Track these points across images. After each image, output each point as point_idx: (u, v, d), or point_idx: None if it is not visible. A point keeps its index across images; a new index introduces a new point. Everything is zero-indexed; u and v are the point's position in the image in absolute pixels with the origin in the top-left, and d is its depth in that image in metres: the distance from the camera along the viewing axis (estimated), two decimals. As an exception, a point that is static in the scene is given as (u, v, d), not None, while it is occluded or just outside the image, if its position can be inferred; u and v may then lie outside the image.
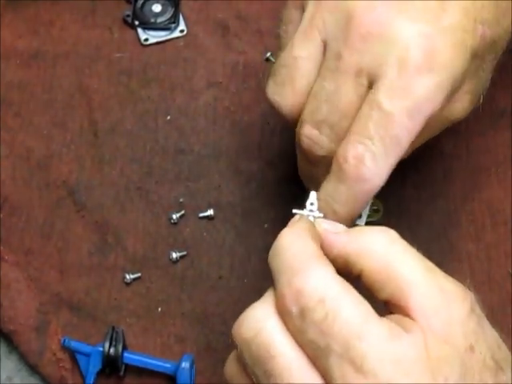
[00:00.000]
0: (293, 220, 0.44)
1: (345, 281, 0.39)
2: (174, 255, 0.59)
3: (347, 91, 0.46)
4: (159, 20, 0.69)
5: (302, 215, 0.44)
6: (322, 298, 0.38)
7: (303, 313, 0.38)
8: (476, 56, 0.47)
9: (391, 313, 0.40)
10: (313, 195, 0.46)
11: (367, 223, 0.54)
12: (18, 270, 0.58)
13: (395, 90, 0.45)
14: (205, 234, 0.60)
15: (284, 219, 0.60)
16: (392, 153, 0.45)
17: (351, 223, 0.49)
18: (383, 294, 0.39)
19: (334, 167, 0.46)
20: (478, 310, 0.39)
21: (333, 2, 0.47)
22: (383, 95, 0.45)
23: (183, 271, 0.59)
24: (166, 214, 0.61)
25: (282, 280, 0.39)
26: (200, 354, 0.56)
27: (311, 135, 0.48)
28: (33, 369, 0.56)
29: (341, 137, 0.46)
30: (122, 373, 0.55)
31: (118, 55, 0.67)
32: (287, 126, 0.63)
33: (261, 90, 0.65)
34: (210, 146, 0.63)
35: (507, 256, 0.58)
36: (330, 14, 0.47)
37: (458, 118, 0.50)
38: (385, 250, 0.40)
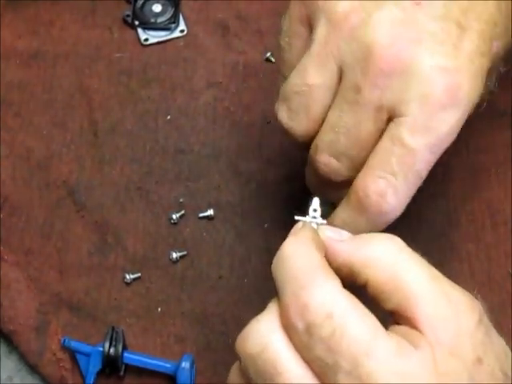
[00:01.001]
0: (296, 227, 0.43)
1: (352, 295, 0.38)
2: (174, 255, 0.59)
3: (367, 125, 0.45)
4: (159, 20, 0.69)
5: (304, 222, 0.43)
6: (329, 314, 0.37)
7: (310, 329, 0.37)
8: (489, 72, 0.47)
9: (397, 323, 0.39)
10: (316, 201, 0.45)
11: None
12: (18, 269, 0.58)
13: (418, 126, 0.44)
14: (205, 234, 0.60)
15: (284, 219, 0.60)
16: (413, 187, 0.45)
17: None
18: (389, 305, 0.39)
19: (353, 199, 0.46)
20: (485, 319, 0.39)
21: (349, 29, 0.45)
22: (406, 132, 0.44)
23: (183, 271, 0.59)
24: (166, 213, 0.61)
25: (287, 293, 0.38)
26: (200, 354, 0.56)
27: (330, 164, 0.47)
28: (33, 369, 0.56)
29: (358, 166, 0.46)
30: (122, 373, 0.55)
31: (118, 55, 0.67)
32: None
33: (261, 89, 0.65)
34: (209, 145, 0.63)
35: (507, 256, 0.58)
36: (345, 42, 0.45)
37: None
38: (391, 260, 0.39)
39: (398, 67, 0.44)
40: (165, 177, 0.62)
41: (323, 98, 0.47)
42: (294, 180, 0.61)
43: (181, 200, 0.61)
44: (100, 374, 0.54)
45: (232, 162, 0.63)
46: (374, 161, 0.45)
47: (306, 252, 0.39)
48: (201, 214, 0.60)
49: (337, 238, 0.42)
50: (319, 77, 0.46)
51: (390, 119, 0.45)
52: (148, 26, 0.69)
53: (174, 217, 0.60)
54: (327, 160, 0.47)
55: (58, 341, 0.56)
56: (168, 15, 0.69)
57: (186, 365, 0.53)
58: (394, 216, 0.46)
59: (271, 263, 0.57)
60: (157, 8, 0.69)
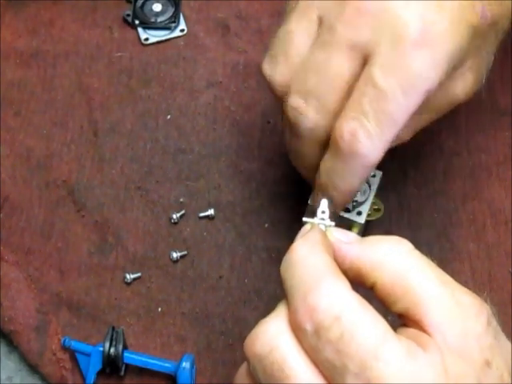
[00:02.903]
0: (304, 229, 0.43)
1: (360, 297, 0.38)
2: (175, 255, 0.59)
3: (338, 63, 0.46)
4: (159, 19, 0.69)
5: (313, 224, 0.43)
6: (338, 316, 0.37)
7: (318, 331, 0.37)
8: (477, 35, 0.47)
9: (405, 325, 0.39)
10: (324, 203, 0.44)
11: (367, 222, 0.54)
12: (18, 269, 0.58)
13: (390, 66, 0.44)
14: (205, 233, 0.60)
15: (284, 219, 0.60)
16: (387, 130, 0.45)
17: (351, 199, 0.50)
18: (398, 308, 0.39)
19: (332, 142, 0.46)
20: (494, 323, 0.39)
21: None
22: (378, 71, 0.44)
23: (183, 271, 0.59)
24: (166, 213, 0.61)
25: (296, 295, 0.38)
26: (200, 354, 0.56)
27: (298, 105, 0.47)
28: (33, 369, 0.56)
29: (328, 109, 0.46)
30: (122, 373, 0.55)
31: (118, 55, 0.67)
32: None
33: (261, 89, 0.65)
34: (210, 145, 0.63)
35: (508, 255, 0.58)
36: None
37: (461, 98, 0.50)
38: (399, 262, 0.39)
39: (374, 7, 0.45)
40: (165, 176, 0.62)
41: (301, 43, 0.48)
42: (294, 180, 0.61)
43: (181, 200, 0.61)
44: (100, 373, 0.54)
45: (232, 161, 0.63)
46: (349, 103, 0.45)
47: (314, 254, 0.39)
48: (201, 214, 0.60)
49: (345, 240, 0.41)
50: (299, 24, 0.48)
51: (365, 63, 0.45)
52: (148, 25, 0.69)
53: (174, 216, 0.60)
54: (295, 102, 0.47)
55: (58, 341, 0.56)
56: (168, 15, 0.69)
57: (186, 365, 0.53)
58: (369, 161, 0.46)
59: (271, 263, 0.57)
60: (157, 7, 0.69)
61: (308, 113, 0.47)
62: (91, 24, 0.69)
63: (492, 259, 0.58)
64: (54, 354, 0.55)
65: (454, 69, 0.47)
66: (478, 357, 0.37)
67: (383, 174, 0.55)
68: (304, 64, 0.47)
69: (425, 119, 0.51)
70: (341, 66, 0.46)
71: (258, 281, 0.58)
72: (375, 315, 0.37)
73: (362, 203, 0.54)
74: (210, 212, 0.60)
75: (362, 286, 0.40)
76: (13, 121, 0.64)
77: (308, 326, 0.37)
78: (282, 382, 0.37)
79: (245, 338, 0.56)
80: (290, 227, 0.59)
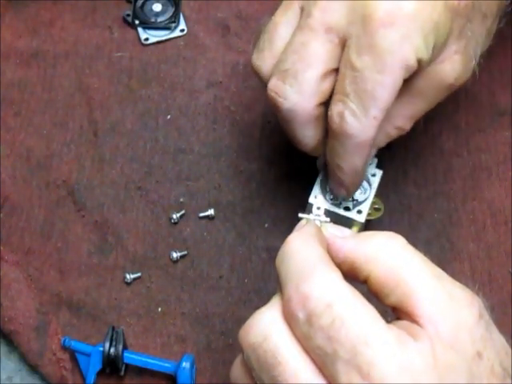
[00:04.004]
0: (299, 224, 0.44)
1: (352, 287, 0.38)
2: (175, 255, 0.59)
3: (314, 45, 0.48)
4: (159, 19, 0.69)
5: (308, 219, 0.44)
6: (330, 304, 0.37)
7: (310, 318, 0.38)
8: (457, 14, 0.48)
9: (399, 319, 0.39)
10: (319, 199, 0.47)
11: (367, 221, 0.54)
12: (18, 270, 0.58)
13: (362, 46, 0.46)
14: (205, 233, 0.60)
15: (284, 219, 0.60)
16: (370, 108, 0.47)
17: (359, 180, 0.52)
18: (391, 300, 0.39)
19: (328, 125, 0.49)
20: (486, 316, 0.39)
21: None
22: (353, 52, 0.47)
23: (183, 271, 0.59)
24: (166, 213, 0.61)
25: (290, 285, 0.39)
26: (200, 354, 0.56)
27: (276, 87, 0.49)
28: (33, 369, 0.56)
29: (305, 89, 0.48)
30: (122, 373, 0.55)
31: (118, 55, 0.67)
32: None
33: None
34: (210, 145, 0.63)
35: (508, 255, 0.58)
36: None
37: (451, 82, 0.51)
38: (392, 256, 0.40)
39: None
40: (165, 176, 0.62)
41: (285, 32, 0.50)
42: (294, 179, 0.61)
43: (181, 200, 0.61)
44: (100, 373, 0.54)
45: (232, 161, 0.63)
46: (336, 87, 0.48)
47: (308, 246, 0.40)
48: (201, 214, 0.60)
49: (339, 234, 0.43)
50: (283, 15, 0.51)
51: (343, 45, 0.48)
52: (148, 25, 0.69)
53: (174, 216, 0.60)
54: (275, 83, 0.49)
55: (58, 341, 0.56)
56: (168, 15, 0.69)
57: (186, 365, 0.53)
58: (361, 139, 0.48)
59: (272, 263, 0.57)
60: (157, 7, 0.69)
61: (286, 93, 0.49)
62: (91, 24, 0.69)
63: (492, 259, 0.58)
64: (54, 354, 0.55)
65: (438, 49, 0.48)
66: (469, 348, 0.38)
67: (384, 174, 0.55)
68: (284, 48, 0.50)
69: (419, 107, 0.52)
70: (317, 47, 0.48)
71: (258, 281, 0.58)
72: (366, 304, 0.38)
73: (362, 202, 0.54)
74: (210, 212, 0.60)
75: (356, 279, 0.41)
76: (13, 121, 0.64)
77: (300, 314, 0.38)
78: (275, 369, 0.38)
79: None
80: (290, 227, 0.59)
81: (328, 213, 0.51)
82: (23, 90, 0.66)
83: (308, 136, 0.51)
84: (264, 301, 0.57)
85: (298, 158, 0.61)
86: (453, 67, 0.50)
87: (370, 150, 0.50)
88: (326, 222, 0.44)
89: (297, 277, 0.39)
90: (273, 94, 0.49)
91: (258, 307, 0.57)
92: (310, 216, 0.44)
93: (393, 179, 0.60)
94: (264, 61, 0.51)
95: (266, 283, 0.58)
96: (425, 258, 0.40)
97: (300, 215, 0.45)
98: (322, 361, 0.37)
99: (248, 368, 0.40)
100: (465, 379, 0.37)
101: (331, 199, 0.53)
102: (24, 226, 0.60)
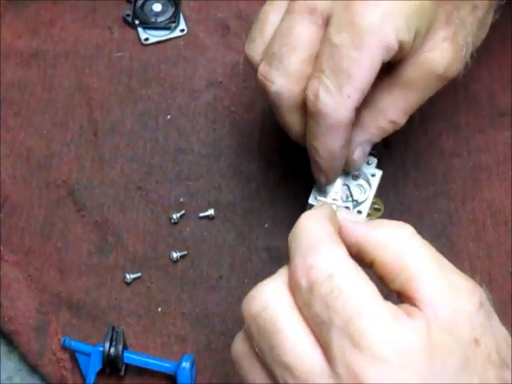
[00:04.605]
0: (316, 206, 0.46)
1: (356, 264, 0.40)
2: (175, 255, 0.59)
3: (299, 27, 0.49)
4: (159, 19, 0.69)
5: (325, 202, 0.47)
6: (331, 275, 0.39)
7: (312, 287, 0.39)
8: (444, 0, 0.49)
9: (402, 303, 0.40)
10: (338, 184, 0.49)
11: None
12: (18, 269, 0.58)
13: (342, 23, 0.47)
14: (205, 233, 0.60)
15: (284, 219, 0.60)
16: (344, 85, 0.47)
17: (337, 166, 0.51)
18: (395, 285, 0.40)
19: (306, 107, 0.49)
20: (487, 305, 0.40)
21: None
22: (332, 30, 0.47)
23: (183, 271, 0.59)
24: (166, 213, 0.61)
25: (297, 256, 0.40)
26: (200, 354, 0.56)
27: (264, 71, 0.50)
28: (33, 369, 0.56)
29: (291, 72, 0.49)
30: (122, 373, 0.55)
31: (118, 55, 0.67)
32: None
33: (261, 89, 0.65)
34: (209, 145, 0.63)
35: (508, 255, 0.58)
36: None
37: (441, 70, 0.50)
38: (401, 244, 0.41)
39: None
40: (165, 176, 0.62)
41: (275, 20, 0.51)
42: (294, 180, 0.61)
43: (181, 200, 0.61)
44: (100, 373, 0.54)
45: (232, 161, 0.63)
46: (315, 64, 0.48)
47: (320, 224, 0.42)
48: (201, 214, 0.60)
49: (352, 219, 0.44)
50: (273, 4, 0.51)
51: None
52: (148, 25, 0.69)
53: (174, 216, 0.60)
54: (263, 68, 0.50)
55: (58, 341, 0.56)
56: (168, 15, 0.69)
57: (186, 365, 0.53)
58: (336, 119, 0.48)
59: (272, 263, 0.57)
60: (157, 7, 0.69)
61: (273, 76, 0.49)
62: (91, 24, 0.69)
63: (492, 259, 0.58)
64: (54, 354, 0.55)
65: (422, 34, 0.48)
66: (466, 333, 0.38)
67: (384, 174, 0.55)
68: (273, 34, 0.50)
69: (412, 99, 0.52)
70: (302, 30, 0.49)
71: (258, 281, 0.57)
72: (367, 281, 0.39)
73: (362, 202, 0.54)
74: (210, 212, 0.60)
75: (363, 263, 0.42)
76: (13, 121, 0.64)
77: (303, 282, 0.39)
78: (274, 337, 0.39)
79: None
80: (290, 227, 0.59)
81: None
82: (23, 90, 0.66)
83: (295, 122, 0.51)
84: (264, 301, 0.57)
85: (297, 159, 0.61)
86: (442, 55, 0.50)
87: (345, 133, 0.49)
88: (341, 207, 0.46)
89: (305, 250, 0.40)
90: (261, 78, 0.50)
91: (257, 307, 0.57)
92: (327, 200, 0.47)
93: (393, 179, 0.60)
94: (255, 49, 0.52)
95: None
96: (431, 248, 0.41)
97: (318, 198, 0.48)
98: (319, 329, 0.38)
99: (249, 341, 0.41)
100: (459, 362, 0.37)
101: (333, 199, 0.53)
102: (24, 226, 0.60)
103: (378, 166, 0.55)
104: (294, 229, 0.43)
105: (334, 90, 0.47)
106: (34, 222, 0.60)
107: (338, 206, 0.46)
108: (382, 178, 0.55)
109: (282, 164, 0.62)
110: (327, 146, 0.50)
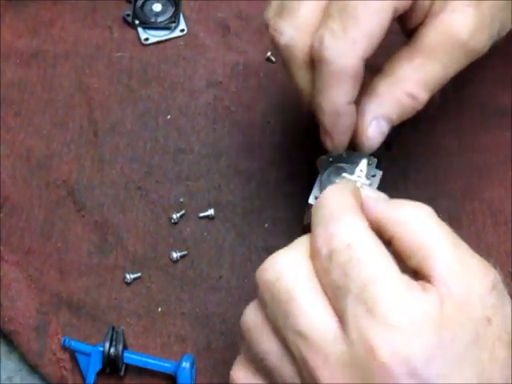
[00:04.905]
0: (340, 181, 0.48)
1: (376, 236, 0.41)
2: (175, 255, 0.59)
3: None
4: (159, 19, 0.69)
5: (349, 179, 0.48)
6: (350, 244, 0.40)
7: (331, 254, 0.40)
8: None
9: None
10: (363, 163, 0.49)
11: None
12: (18, 270, 0.58)
13: None
14: (205, 233, 0.60)
15: (284, 219, 0.60)
16: (349, 28, 0.45)
17: (340, 124, 0.49)
18: (412, 263, 0.41)
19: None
20: (500, 287, 0.41)
21: None
22: None
23: (183, 271, 0.59)
24: (166, 213, 0.61)
25: (320, 226, 0.42)
26: (200, 354, 0.56)
27: (274, 23, 0.49)
28: (33, 369, 0.56)
29: (301, 23, 0.47)
30: (122, 373, 0.55)
31: (118, 55, 0.67)
32: (288, 126, 0.64)
33: (261, 89, 0.65)
34: (210, 145, 0.63)
35: (508, 255, 0.58)
36: None
37: (466, 36, 0.48)
38: (419, 222, 0.42)
39: None
40: (165, 176, 0.62)
41: None
42: (294, 180, 0.61)
43: (181, 200, 0.61)
44: (100, 373, 0.54)
45: (232, 161, 0.63)
46: (324, 12, 0.47)
47: (343, 196, 0.43)
48: (201, 214, 0.60)
49: (374, 197, 0.45)
50: None
51: None
52: (148, 25, 0.68)
53: (174, 216, 0.60)
54: (273, 20, 0.49)
55: (58, 341, 0.56)
56: (168, 14, 0.69)
57: (186, 365, 0.53)
58: (338, 66, 0.46)
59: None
60: (157, 7, 0.69)
61: (283, 28, 0.48)
62: (91, 24, 0.69)
63: (492, 259, 0.58)
64: (54, 354, 0.55)
65: None
66: (479, 311, 0.39)
67: (384, 174, 0.55)
68: None
69: (432, 70, 0.49)
70: None
71: (258, 281, 0.58)
72: (385, 253, 0.40)
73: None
74: (210, 212, 0.60)
75: (381, 239, 0.42)
76: (13, 121, 0.64)
77: (323, 250, 0.40)
78: (288, 305, 0.40)
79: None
80: (290, 227, 0.59)
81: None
82: (23, 90, 0.66)
83: (305, 80, 0.49)
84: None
85: (298, 158, 0.61)
86: (464, 20, 0.47)
87: (351, 88, 0.47)
88: (365, 184, 0.48)
89: (327, 219, 0.42)
90: (272, 31, 0.49)
91: (258, 307, 0.57)
92: (352, 177, 0.48)
93: (393, 179, 0.60)
94: (272, 10, 0.50)
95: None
96: (448, 229, 0.42)
97: (344, 174, 0.49)
98: (335, 296, 0.39)
99: (262, 310, 0.42)
100: (469, 337, 0.38)
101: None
102: (24, 226, 0.60)
103: (378, 166, 0.55)
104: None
105: (339, 33, 0.45)
106: (34, 222, 0.60)
107: (362, 183, 0.48)
108: (382, 179, 0.55)
109: (283, 164, 0.62)
110: (331, 99, 0.47)
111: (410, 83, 0.49)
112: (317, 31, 0.47)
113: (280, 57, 0.50)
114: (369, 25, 0.46)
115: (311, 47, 0.47)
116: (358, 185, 0.47)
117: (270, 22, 0.49)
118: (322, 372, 0.39)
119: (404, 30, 0.51)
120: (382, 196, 0.45)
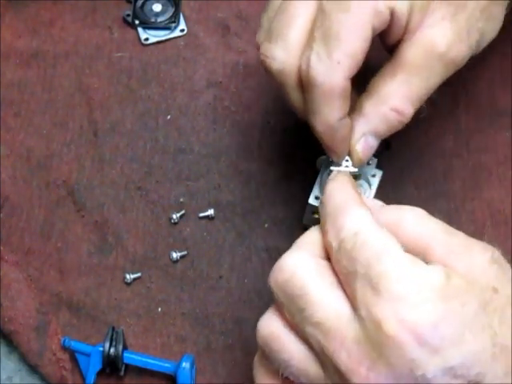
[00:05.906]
0: (332, 175, 0.49)
1: (380, 224, 0.42)
2: (174, 255, 0.59)
3: (295, 4, 0.49)
4: (159, 19, 0.69)
5: (339, 170, 0.50)
6: (357, 232, 0.42)
7: (340, 244, 0.42)
8: None
9: None
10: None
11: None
12: (18, 270, 0.58)
13: None
14: (205, 233, 0.60)
15: (284, 219, 0.60)
16: (333, 50, 0.46)
17: (336, 138, 0.50)
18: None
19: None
20: (501, 260, 0.42)
21: None
22: (326, 1, 0.47)
23: (183, 271, 0.59)
24: (166, 213, 0.61)
25: (329, 221, 0.44)
26: (200, 354, 0.56)
27: (265, 49, 0.50)
28: (33, 369, 0.56)
29: (291, 47, 0.48)
30: (122, 373, 0.55)
31: (118, 55, 0.67)
32: (288, 126, 0.64)
33: (261, 89, 0.65)
34: (209, 145, 0.63)
35: (508, 255, 0.58)
36: None
37: (444, 49, 0.49)
38: (415, 220, 0.44)
39: None
40: (165, 176, 0.62)
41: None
42: (294, 180, 0.61)
43: (181, 200, 0.61)
44: (100, 373, 0.54)
45: (232, 161, 0.63)
46: (309, 35, 0.48)
47: (343, 189, 0.46)
48: (201, 214, 0.60)
49: (371, 205, 0.46)
50: None
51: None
52: (148, 25, 0.68)
53: (174, 216, 0.60)
54: (264, 46, 0.50)
55: (58, 341, 0.56)
56: (168, 15, 0.69)
57: (186, 365, 0.53)
58: (326, 89, 0.47)
59: (272, 263, 0.57)
60: (157, 7, 0.69)
61: (274, 53, 0.49)
62: (91, 24, 0.69)
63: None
64: (54, 354, 0.55)
65: (418, 6, 0.48)
66: (484, 283, 0.40)
67: (384, 174, 0.55)
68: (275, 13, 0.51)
69: (416, 85, 0.50)
70: (300, 4, 0.48)
71: (258, 281, 0.58)
72: (388, 234, 0.42)
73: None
74: (210, 212, 0.60)
75: None
76: (13, 121, 0.64)
77: (334, 242, 0.43)
78: (302, 300, 0.41)
79: (245, 337, 0.56)
80: (290, 227, 0.59)
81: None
82: (23, 90, 0.66)
83: (299, 98, 0.50)
84: (264, 301, 0.57)
85: (297, 158, 0.61)
86: (442, 33, 0.49)
87: (341, 105, 0.48)
88: (354, 171, 0.50)
89: (334, 214, 0.44)
90: (263, 57, 0.50)
91: (258, 307, 0.57)
92: (341, 168, 0.50)
93: (393, 179, 0.60)
94: (262, 35, 0.51)
95: (266, 283, 0.58)
96: (443, 223, 0.44)
97: (332, 168, 0.50)
98: (347, 281, 0.41)
99: (280, 316, 0.43)
100: (478, 304, 0.39)
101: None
102: (24, 226, 0.60)
103: (378, 167, 0.55)
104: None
105: (324, 55, 0.47)
106: (34, 222, 0.60)
107: (351, 172, 0.50)
108: (382, 178, 0.55)
109: (282, 164, 0.62)
110: (323, 118, 0.48)
111: (395, 99, 0.50)
112: (303, 54, 0.48)
113: (272, 80, 0.50)
114: (350, 45, 0.47)
115: (300, 70, 0.48)
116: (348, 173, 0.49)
117: (261, 47, 0.50)
118: (339, 355, 0.40)
119: (385, 47, 0.51)
120: (378, 203, 0.47)
